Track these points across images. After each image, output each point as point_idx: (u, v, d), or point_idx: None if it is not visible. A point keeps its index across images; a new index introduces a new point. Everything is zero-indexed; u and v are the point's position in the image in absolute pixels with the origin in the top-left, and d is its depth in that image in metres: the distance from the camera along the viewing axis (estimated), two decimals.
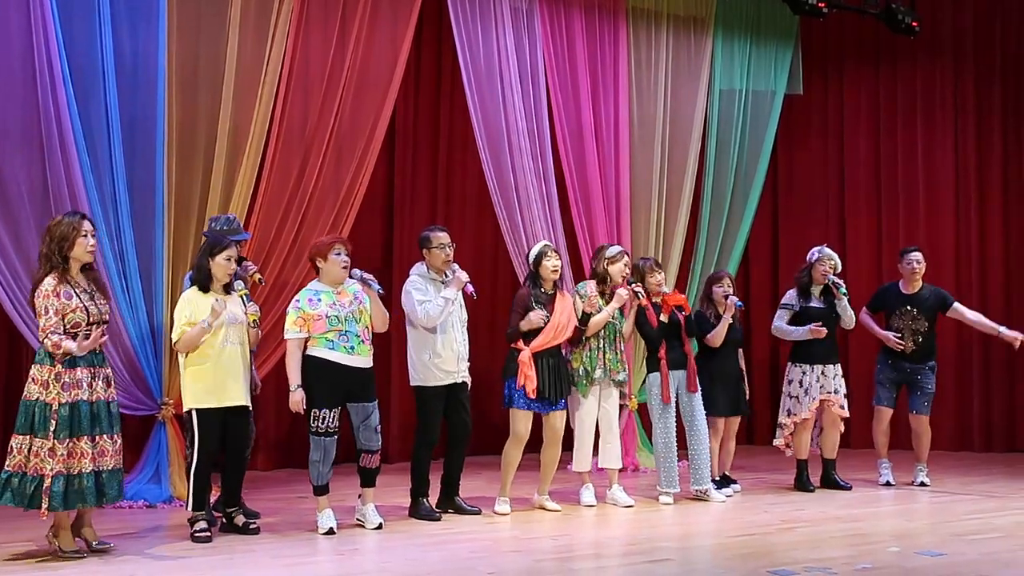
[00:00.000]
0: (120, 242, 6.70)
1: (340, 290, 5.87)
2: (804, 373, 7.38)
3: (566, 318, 6.51)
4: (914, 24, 9.35)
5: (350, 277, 5.93)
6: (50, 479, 4.98)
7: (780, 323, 7.47)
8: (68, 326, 5.10)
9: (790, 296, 7.53)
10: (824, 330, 7.28)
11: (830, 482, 7.47)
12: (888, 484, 7.60)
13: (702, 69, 9.11)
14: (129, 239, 6.73)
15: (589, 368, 6.72)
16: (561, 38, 8.44)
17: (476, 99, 7.93)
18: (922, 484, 7.59)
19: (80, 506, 5.12)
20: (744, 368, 7.52)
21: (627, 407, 8.12)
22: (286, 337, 5.83)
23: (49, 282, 5.11)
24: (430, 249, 6.33)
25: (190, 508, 5.63)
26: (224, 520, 5.85)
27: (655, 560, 5.22)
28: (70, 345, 5.03)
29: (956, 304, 7.72)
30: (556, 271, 6.53)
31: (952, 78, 10.08)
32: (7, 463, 5.09)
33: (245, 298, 5.83)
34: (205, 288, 5.64)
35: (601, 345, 6.76)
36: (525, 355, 6.36)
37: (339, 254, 5.84)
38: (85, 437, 5.08)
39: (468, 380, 6.44)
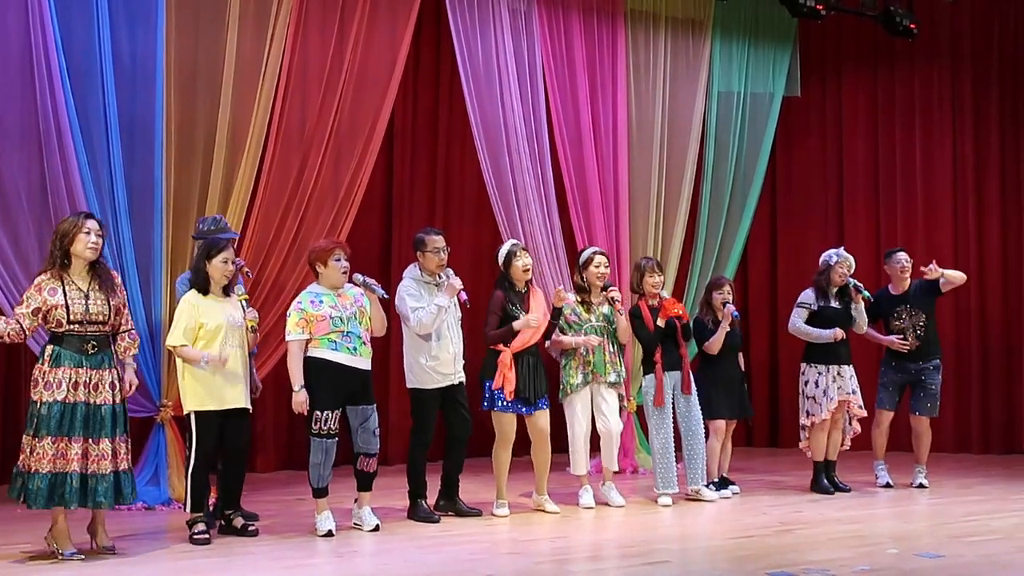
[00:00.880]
0: (118, 243, 6.69)
1: (340, 293, 5.88)
2: (820, 374, 7.38)
3: (541, 314, 6.50)
4: (912, 26, 9.37)
5: (350, 282, 5.93)
6: (33, 476, 5.02)
7: (799, 322, 7.44)
8: (52, 324, 5.12)
9: (808, 296, 7.50)
10: (843, 335, 7.31)
11: (829, 483, 7.46)
12: (888, 485, 7.60)
13: (700, 71, 9.12)
14: (127, 239, 6.73)
15: (569, 377, 6.73)
16: (560, 40, 8.45)
17: (475, 101, 7.93)
18: (920, 486, 7.60)
19: (62, 506, 5.08)
20: (744, 371, 7.54)
21: (625, 408, 8.12)
22: (288, 339, 5.81)
23: (40, 278, 5.18)
24: (424, 252, 6.32)
25: (189, 510, 5.62)
26: (223, 522, 5.84)
27: (653, 562, 5.22)
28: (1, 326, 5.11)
29: (940, 279, 7.68)
30: (527, 270, 6.51)
31: (950, 80, 10.10)
32: (19, 460, 5.16)
33: (244, 303, 5.84)
34: (204, 291, 5.65)
35: (583, 351, 6.73)
36: (506, 356, 6.34)
37: (339, 260, 5.85)
38: (77, 438, 5.07)
39: (464, 380, 6.43)
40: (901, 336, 7.62)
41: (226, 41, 7.04)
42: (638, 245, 8.66)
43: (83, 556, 5.15)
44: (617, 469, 7.15)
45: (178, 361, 5.71)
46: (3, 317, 5.26)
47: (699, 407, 7.01)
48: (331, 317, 5.76)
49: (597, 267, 6.82)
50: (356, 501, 6.02)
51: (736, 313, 7.21)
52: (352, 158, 7.46)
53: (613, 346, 6.85)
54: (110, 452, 5.16)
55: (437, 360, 6.25)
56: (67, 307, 5.11)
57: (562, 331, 6.75)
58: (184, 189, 6.94)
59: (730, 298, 7.30)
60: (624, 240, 8.54)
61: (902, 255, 7.75)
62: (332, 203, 7.41)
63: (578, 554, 5.60)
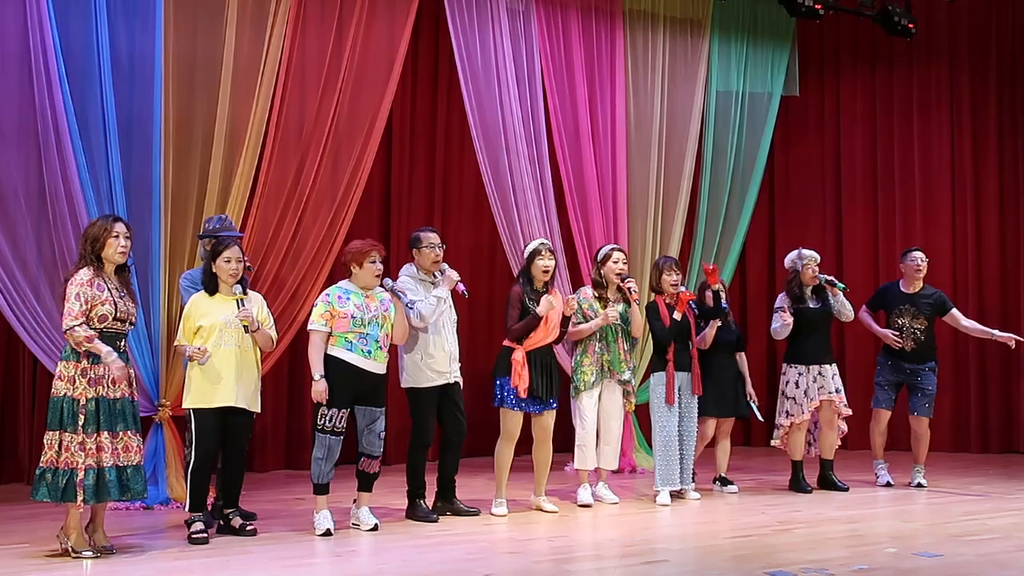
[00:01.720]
0: None
1: (369, 294, 5.91)
2: (800, 374, 7.38)
3: (557, 316, 6.51)
4: (910, 26, 9.37)
5: (381, 286, 5.95)
6: (83, 472, 5.05)
7: (774, 325, 7.47)
8: (96, 318, 5.15)
9: (782, 299, 7.48)
10: (791, 319, 7.27)
11: (827, 483, 7.47)
12: (888, 485, 7.61)
13: (699, 71, 9.12)
14: None
15: (582, 373, 6.75)
16: (558, 40, 8.45)
17: (473, 100, 7.94)
18: (919, 485, 7.60)
19: (106, 499, 5.19)
20: (746, 372, 7.54)
21: (625, 408, 8.12)
22: (310, 328, 5.86)
23: (84, 273, 5.20)
24: (420, 249, 6.34)
25: (188, 508, 5.63)
26: (221, 522, 5.84)
27: (652, 561, 5.22)
28: (101, 346, 5.11)
29: (954, 310, 7.73)
30: (547, 272, 6.51)
31: (948, 79, 10.11)
32: (41, 459, 5.15)
33: (240, 303, 5.83)
34: (212, 291, 5.69)
35: (598, 348, 6.77)
36: (519, 355, 6.36)
37: (374, 262, 5.89)
38: (106, 432, 5.15)
39: (460, 380, 6.44)
40: (897, 332, 7.63)
41: (225, 39, 7.04)
42: (636, 244, 8.67)
43: (98, 555, 5.17)
44: (616, 468, 7.17)
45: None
46: (72, 331, 5.08)
47: (697, 409, 7.07)
48: (352, 316, 5.78)
49: (616, 263, 6.85)
50: (355, 501, 6.02)
51: (726, 306, 7.23)
52: (351, 156, 7.46)
53: (627, 343, 6.87)
54: (135, 445, 5.29)
55: (432, 358, 6.26)
56: (114, 304, 5.19)
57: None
58: (182, 187, 6.94)
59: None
60: (622, 239, 8.54)
61: (919, 254, 7.75)
62: (331, 201, 7.42)
63: (577, 553, 5.59)
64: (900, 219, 10.10)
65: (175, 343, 5.78)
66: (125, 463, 5.22)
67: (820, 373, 7.38)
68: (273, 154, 7.23)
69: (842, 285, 7.40)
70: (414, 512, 6.29)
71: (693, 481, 7.20)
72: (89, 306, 5.13)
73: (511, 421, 6.43)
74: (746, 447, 9.93)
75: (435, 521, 6.21)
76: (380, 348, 5.86)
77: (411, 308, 6.07)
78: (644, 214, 8.75)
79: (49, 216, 6.45)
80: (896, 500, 7.22)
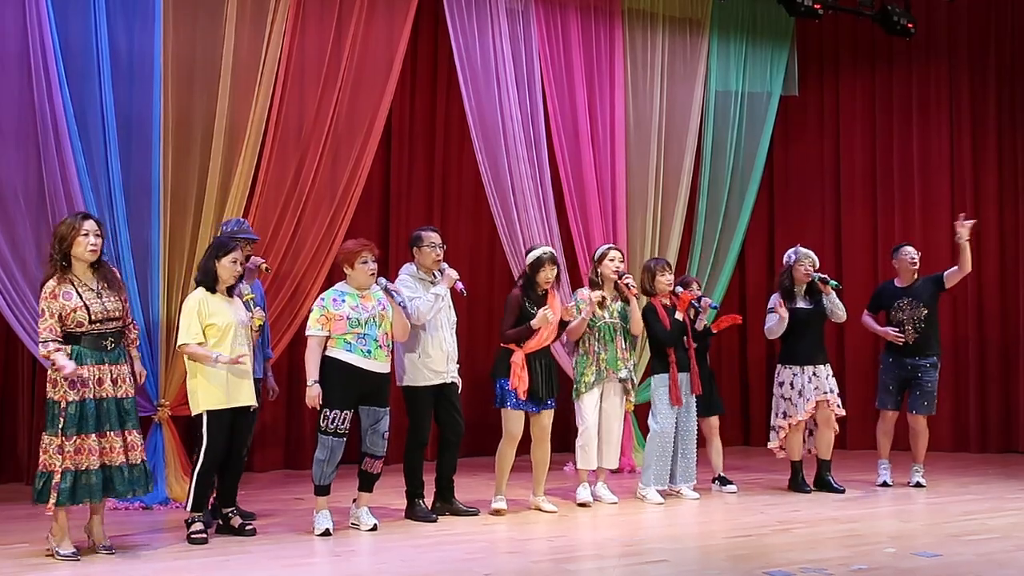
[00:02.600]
0: (116, 241, 6.67)
1: (365, 294, 5.90)
2: (795, 375, 7.37)
3: (556, 320, 6.51)
4: (909, 25, 9.36)
5: (375, 284, 5.95)
6: (59, 475, 5.02)
7: (769, 323, 7.47)
8: (72, 325, 5.10)
9: (774, 299, 7.46)
10: (785, 312, 7.26)
11: (823, 484, 7.45)
12: (885, 484, 7.61)
13: (698, 71, 9.12)
14: (125, 238, 6.71)
15: (583, 375, 6.75)
16: (557, 40, 8.45)
17: (472, 100, 7.93)
18: (917, 485, 7.60)
19: (86, 501, 5.14)
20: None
21: (624, 408, 8.12)
22: (308, 333, 5.85)
23: (50, 284, 5.15)
24: (420, 248, 6.34)
25: (189, 508, 5.63)
26: (220, 522, 5.84)
27: (651, 561, 5.22)
28: (61, 360, 5.03)
29: (945, 272, 7.71)
30: (548, 283, 6.52)
31: (947, 79, 10.11)
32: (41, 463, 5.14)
33: (250, 304, 5.85)
34: (212, 290, 5.67)
35: (596, 348, 6.77)
36: (518, 356, 6.36)
37: (366, 262, 5.88)
38: (93, 435, 5.11)
39: (458, 381, 6.44)
40: (898, 329, 7.63)
41: (224, 38, 7.03)
42: (635, 244, 8.67)
43: (80, 558, 5.13)
44: (615, 468, 7.17)
45: (187, 362, 5.69)
46: (43, 347, 5.10)
47: (696, 409, 7.09)
48: (348, 318, 5.77)
49: (612, 261, 6.86)
50: (355, 501, 6.02)
51: (715, 305, 7.28)
52: (350, 155, 7.46)
53: (626, 341, 6.87)
54: (138, 442, 5.28)
55: (430, 357, 6.26)
56: (87, 308, 5.13)
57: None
58: (182, 186, 6.93)
59: (699, 293, 7.32)
60: (621, 239, 8.54)
61: (911, 248, 7.78)
62: (330, 200, 7.42)
63: (576, 553, 5.59)
64: (899, 218, 10.10)
65: (181, 343, 5.61)
66: (121, 463, 5.17)
67: (815, 373, 7.36)
68: (272, 153, 7.22)
69: (835, 283, 7.37)
70: (413, 512, 6.29)
71: (723, 484, 7.22)
72: (59, 317, 5.08)
73: (513, 422, 6.43)
74: (745, 447, 9.93)
75: (434, 521, 6.21)
76: (380, 347, 5.86)
77: (406, 307, 6.05)
78: (643, 213, 8.75)
79: (48, 216, 6.43)
80: (895, 500, 7.22)
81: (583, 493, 6.80)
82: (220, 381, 5.56)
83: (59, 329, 5.10)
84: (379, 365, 5.85)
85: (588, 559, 5.46)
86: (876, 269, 9.96)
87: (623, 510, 6.72)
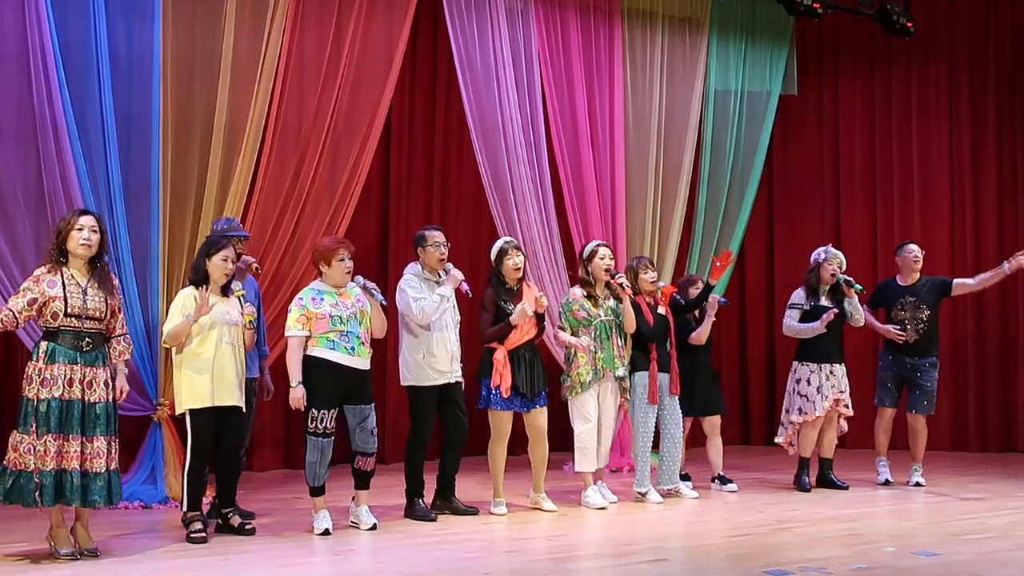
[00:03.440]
0: (115, 240, 6.66)
1: (342, 292, 5.88)
2: (812, 372, 7.39)
3: (530, 313, 6.46)
4: (908, 24, 9.36)
5: (352, 282, 5.93)
6: (37, 476, 4.96)
7: (791, 322, 7.48)
8: (47, 316, 5.07)
9: (799, 296, 7.52)
10: (835, 312, 7.30)
11: (827, 482, 7.48)
12: (887, 483, 7.62)
13: (697, 70, 9.12)
14: (124, 237, 6.71)
15: (578, 375, 6.69)
16: (556, 39, 8.45)
17: (472, 99, 7.93)
18: (917, 484, 7.61)
19: (63, 503, 5.06)
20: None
21: (622, 405, 8.11)
22: (287, 335, 5.81)
23: (39, 270, 5.15)
24: (425, 248, 6.33)
25: (185, 508, 5.62)
26: (220, 521, 5.84)
27: (650, 560, 5.22)
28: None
29: (955, 280, 7.75)
30: (518, 269, 6.49)
31: (946, 78, 10.12)
32: (6, 457, 5.08)
33: (242, 300, 5.83)
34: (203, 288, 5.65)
35: (592, 347, 6.72)
36: (500, 354, 6.35)
37: (343, 260, 5.85)
38: (72, 436, 5.03)
39: (462, 380, 6.43)
40: (899, 327, 7.64)
41: (223, 37, 7.02)
42: (635, 243, 8.67)
43: (78, 556, 5.13)
44: (612, 468, 7.16)
45: (174, 359, 5.68)
46: None
47: (680, 408, 7.06)
48: (331, 316, 5.75)
49: (602, 259, 6.80)
50: (353, 500, 6.01)
51: (724, 300, 7.29)
52: (350, 154, 7.45)
53: (621, 339, 6.85)
54: (105, 450, 5.12)
55: (434, 357, 6.25)
56: (65, 300, 5.06)
57: (573, 329, 6.76)
58: (181, 185, 6.93)
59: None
60: (621, 237, 8.54)
61: (914, 246, 7.81)
62: (330, 199, 7.41)
63: (575, 552, 5.59)
64: (899, 216, 10.11)
65: (164, 338, 5.62)
66: (88, 469, 5.06)
67: (831, 372, 7.40)
68: (272, 151, 7.22)
69: (859, 287, 7.42)
70: (412, 511, 6.29)
71: (689, 479, 7.22)
72: (39, 303, 5.05)
73: (499, 420, 6.43)
74: (744, 446, 9.93)
75: (434, 520, 6.20)
76: (363, 344, 5.84)
77: (384, 304, 6.00)
78: (642, 212, 8.75)
79: (48, 216, 6.43)
80: (894, 499, 7.23)
81: (594, 496, 6.69)
82: (203, 380, 5.54)
83: (25, 309, 5.04)
84: (362, 362, 5.84)
85: (587, 558, 5.46)
86: (875, 268, 9.96)
87: (622, 509, 6.71)
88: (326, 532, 5.73)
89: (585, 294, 6.81)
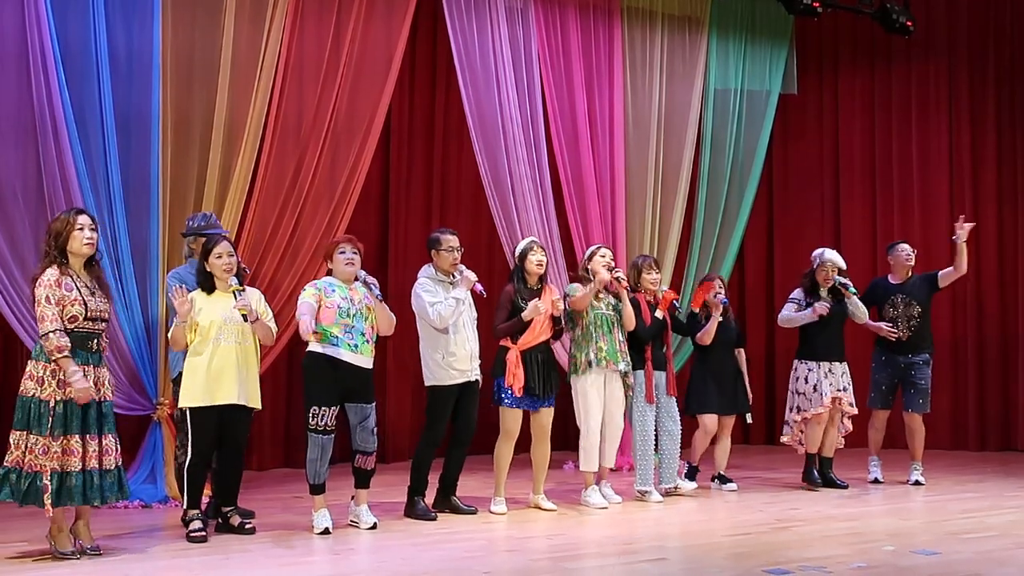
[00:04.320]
0: (115, 240, 6.67)
1: (352, 288, 5.89)
2: (810, 370, 7.41)
3: (546, 315, 6.47)
4: (908, 23, 9.37)
5: (356, 280, 5.95)
6: (48, 476, 4.95)
7: (786, 312, 7.52)
8: (66, 319, 5.03)
9: (798, 293, 7.57)
10: (827, 306, 7.31)
11: (827, 481, 7.49)
12: (876, 481, 7.64)
13: (697, 69, 9.11)
14: (124, 237, 6.71)
15: (580, 353, 6.68)
16: (556, 37, 8.44)
17: (471, 98, 7.93)
18: (916, 483, 7.61)
19: (69, 503, 5.07)
20: (744, 368, 7.58)
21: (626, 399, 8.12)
22: (301, 300, 5.77)
23: (51, 272, 5.06)
24: (439, 251, 6.34)
25: (185, 505, 5.63)
26: (220, 520, 5.84)
27: (650, 559, 5.22)
28: (69, 365, 4.96)
29: (940, 272, 7.77)
30: (541, 266, 6.52)
31: (946, 77, 10.12)
32: (6, 458, 5.05)
33: (237, 294, 5.80)
34: (210, 289, 5.66)
35: (595, 336, 6.72)
36: (512, 354, 6.36)
37: (343, 252, 5.87)
38: (76, 436, 5.04)
39: (480, 378, 6.44)
40: (891, 325, 7.65)
41: (223, 35, 7.02)
42: (635, 242, 8.67)
43: (79, 556, 5.13)
44: (614, 467, 7.16)
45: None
46: (47, 338, 4.98)
47: (677, 407, 7.06)
48: (339, 307, 5.77)
49: (603, 257, 6.84)
50: (353, 499, 6.02)
51: (725, 300, 7.32)
52: (349, 153, 7.45)
53: (622, 334, 6.85)
54: (113, 447, 5.18)
55: (454, 356, 6.26)
56: (84, 303, 5.06)
57: (571, 318, 6.76)
58: (180, 184, 6.93)
59: (721, 292, 7.38)
60: (620, 237, 8.54)
61: (906, 246, 7.87)
62: (329, 199, 7.41)
63: (575, 552, 5.60)
64: (898, 216, 10.11)
65: (169, 335, 5.66)
66: (95, 467, 5.08)
67: (830, 370, 7.41)
68: (272, 151, 7.21)
69: (854, 290, 7.45)
70: (413, 510, 6.29)
71: (694, 479, 7.22)
72: (60, 306, 5.01)
73: (510, 419, 6.43)
74: (745, 445, 9.93)
75: (434, 519, 6.21)
76: (367, 341, 5.85)
77: (382, 299, 5.97)
78: (642, 211, 8.74)
79: (48, 215, 6.40)
80: (894, 498, 7.23)
81: (594, 497, 6.70)
82: (199, 378, 5.54)
83: (60, 321, 4.98)
84: (365, 360, 5.84)
85: (588, 558, 5.46)
86: (875, 267, 9.95)
87: (623, 508, 6.72)
88: (326, 531, 5.73)
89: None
